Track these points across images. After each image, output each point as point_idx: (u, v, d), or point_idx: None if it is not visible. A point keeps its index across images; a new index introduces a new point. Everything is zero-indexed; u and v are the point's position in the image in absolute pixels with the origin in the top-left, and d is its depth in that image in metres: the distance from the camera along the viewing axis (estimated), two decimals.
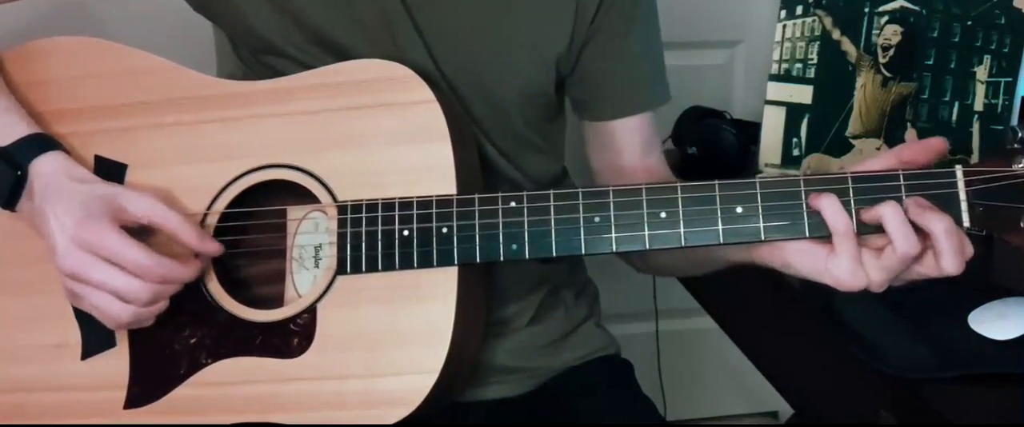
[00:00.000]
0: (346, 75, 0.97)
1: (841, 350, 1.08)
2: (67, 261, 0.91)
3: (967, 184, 0.84)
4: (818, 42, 1.37)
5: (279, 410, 0.94)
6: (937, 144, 0.87)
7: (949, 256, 0.83)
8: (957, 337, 1.02)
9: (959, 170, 0.84)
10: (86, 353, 0.98)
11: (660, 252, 0.89)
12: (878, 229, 0.85)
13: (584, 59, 1.07)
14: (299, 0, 1.00)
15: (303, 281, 0.97)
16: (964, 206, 0.84)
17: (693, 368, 2.01)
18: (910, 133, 1.32)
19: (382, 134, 0.95)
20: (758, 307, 1.27)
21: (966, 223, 0.84)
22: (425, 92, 0.96)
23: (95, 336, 0.97)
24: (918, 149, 0.86)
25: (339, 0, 1.00)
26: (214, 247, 0.95)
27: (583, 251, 0.90)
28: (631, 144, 1.10)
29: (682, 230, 0.88)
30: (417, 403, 0.92)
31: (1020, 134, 0.83)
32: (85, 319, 0.97)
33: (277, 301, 0.97)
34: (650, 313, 1.78)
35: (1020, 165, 0.82)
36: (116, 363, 0.98)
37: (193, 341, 0.97)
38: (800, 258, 0.88)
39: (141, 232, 0.95)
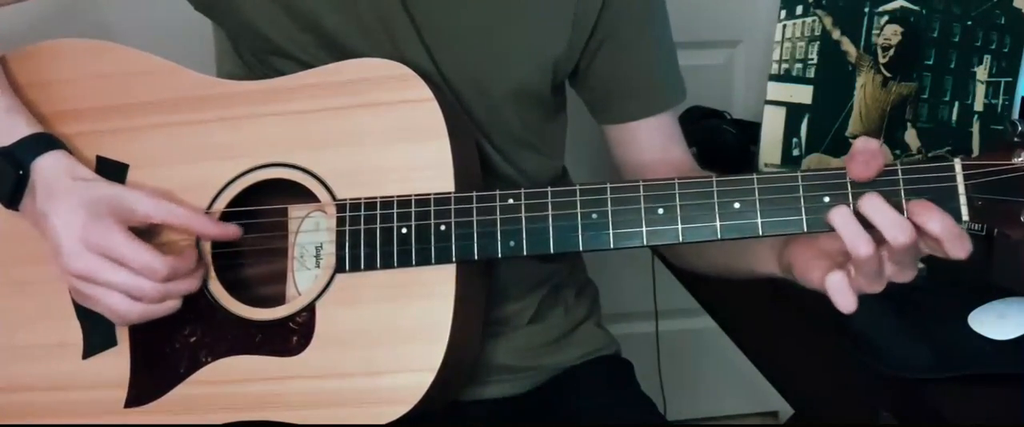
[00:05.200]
0: (345, 74, 0.98)
1: (841, 350, 1.08)
2: (76, 262, 0.91)
3: (966, 178, 0.83)
4: (818, 42, 1.37)
5: (278, 408, 0.95)
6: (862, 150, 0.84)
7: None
8: (957, 337, 1.02)
9: (958, 164, 0.83)
10: (87, 352, 0.99)
11: (693, 251, 0.87)
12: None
13: (597, 65, 1.08)
14: (302, 0, 1.00)
15: (304, 280, 0.97)
16: (963, 200, 0.83)
17: (693, 368, 2.01)
18: (910, 133, 1.32)
19: (381, 133, 0.96)
20: (758, 307, 1.27)
21: (965, 217, 0.83)
22: (424, 91, 0.96)
23: (96, 335, 0.98)
24: (858, 169, 0.84)
25: (341, 1, 1.00)
26: (233, 231, 0.96)
27: (581, 248, 0.90)
28: (652, 142, 1.11)
29: (680, 226, 0.88)
30: (415, 401, 0.92)
31: (1020, 127, 0.82)
32: (86, 318, 0.97)
33: (279, 300, 0.97)
34: (650, 313, 1.78)
35: (1020, 159, 0.81)
36: (117, 362, 0.98)
37: (193, 340, 0.97)
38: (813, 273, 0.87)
39: (144, 231, 0.95)
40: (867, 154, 0.83)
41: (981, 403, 0.96)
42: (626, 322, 1.57)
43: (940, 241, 0.82)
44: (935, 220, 0.81)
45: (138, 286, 0.91)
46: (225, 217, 0.98)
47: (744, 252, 0.96)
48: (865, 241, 0.82)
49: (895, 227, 0.82)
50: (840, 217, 0.83)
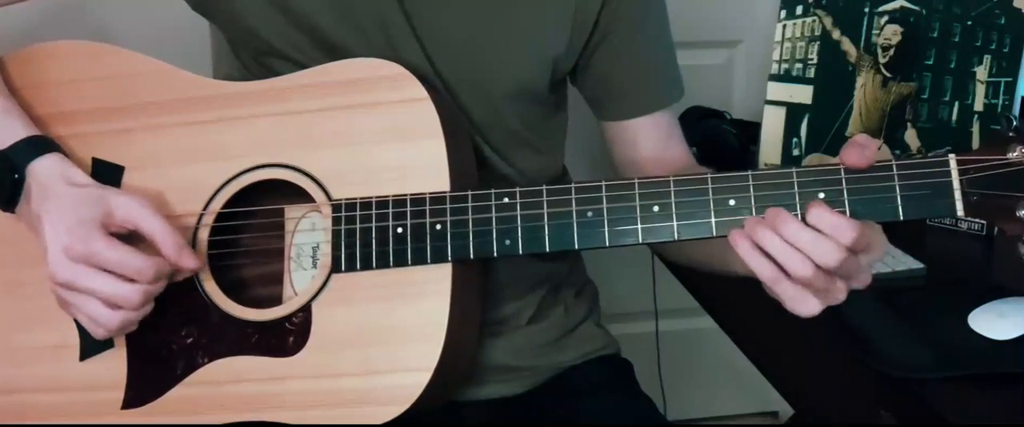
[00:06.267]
0: (339, 74, 0.97)
1: (841, 350, 1.08)
2: (58, 270, 0.91)
3: (961, 173, 0.83)
4: (818, 42, 1.37)
5: (275, 409, 0.94)
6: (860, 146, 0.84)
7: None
8: (957, 337, 1.02)
9: (953, 159, 0.83)
10: (84, 354, 0.98)
11: (683, 245, 0.87)
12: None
13: (597, 61, 1.07)
14: (299, 1, 1.00)
15: (301, 280, 0.97)
16: (958, 195, 0.83)
17: (693, 368, 2.01)
18: (910, 133, 1.32)
19: (376, 132, 0.96)
20: (758, 307, 1.27)
21: (960, 212, 0.83)
22: (418, 90, 0.96)
23: (93, 337, 0.97)
24: (854, 155, 0.84)
25: (337, 1, 1.00)
26: (191, 263, 0.94)
27: (576, 246, 0.90)
28: (650, 140, 1.11)
29: (675, 223, 0.88)
30: (412, 401, 0.92)
31: (1015, 122, 0.82)
32: None
33: (276, 301, 0.97)
34: (650, 313, 1.78)
35: (1015, 153, 0.81)
36: (114, 364, 0.98)
37: (190, 341, 0.97)
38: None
39: (127, 238, 0.95)
40: (862, 146, 0.84)
41: (981, 403, 0.96)
42: (626, 322, 1.57)
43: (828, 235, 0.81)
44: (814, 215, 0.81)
45: (118, 293, 0.90)
46: (221, 218, 0.98)
47: (723, 253, 0.96)
48: (770, 269, 0.82)
49: (812, 243, 0.81)
50: (742, 249, 0.83)
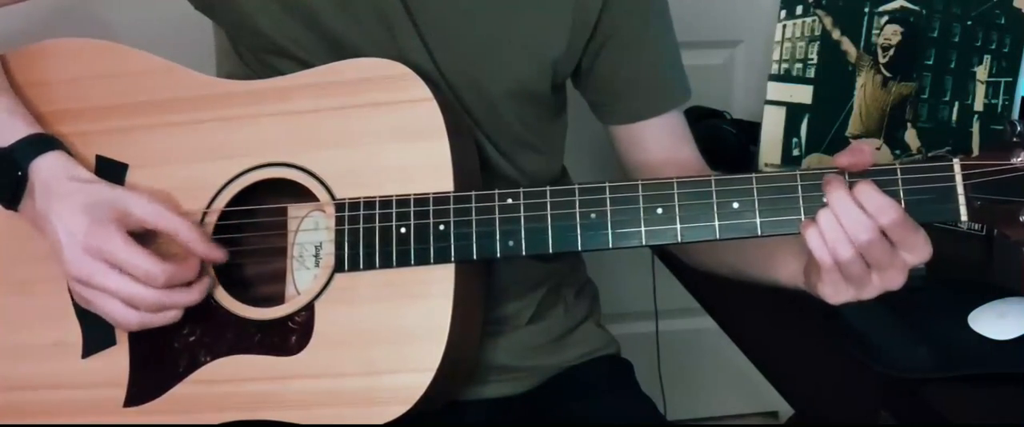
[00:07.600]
0: (344, 74, 0.98)
1: (841, 350, 1.08)
2: (77, 267, 0.91)
3: (965, 177, 0.83)
4: (818, 42, 1.37)
5: (277, 408, 0.95)
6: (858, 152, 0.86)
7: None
8: (957, 337, 1.02)
9: (957, 164, 0.84)
10: (86, 351, 0.99)
11: (703, 249, 0.89)
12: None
13: (600, 64, 1.07)
14: (308, 1, 1.00)
15: (304, 279, 0.97)
16: (962, 200, 0.83)
17: (693, 368, 2.01)
18: (910, 133, 1.32)
19: (380, 132, 0.96)
20: (758, 307, 1.27)
21: (964, 217, 0.84)
22: (423, 90, 0.96)
23: (95, 334, 0.98)
24: (848, 159, 0.86)
25: (342, 1, 1.00)
26: (219, 254, 0.95)
27: (580, 247, 0.90)
28: (660, 142, 1.10)
29: (678, 226, 0.88)
30: (414, 401, 0.92)
31: (1020, 127, 0.82)
32: (86, 317, 0.97)
33: (279, 300, 0.97)
34: (650, 313, 1.78)
35: (1019, 159, 0.81)
36: (116, 361, 0.98)
37: (192, 339, 0.97)
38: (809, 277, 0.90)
39: (151, 241, 0.95)
40: (857, 151, 0.84)
41: (981, 403, 0.96)
42: (626, 322, 1.57)
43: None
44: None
45: (135, 293, 0.91)
46: (224, 216, 0.98)
47: (767, 260, 0.96)
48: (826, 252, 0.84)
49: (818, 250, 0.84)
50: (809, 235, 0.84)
